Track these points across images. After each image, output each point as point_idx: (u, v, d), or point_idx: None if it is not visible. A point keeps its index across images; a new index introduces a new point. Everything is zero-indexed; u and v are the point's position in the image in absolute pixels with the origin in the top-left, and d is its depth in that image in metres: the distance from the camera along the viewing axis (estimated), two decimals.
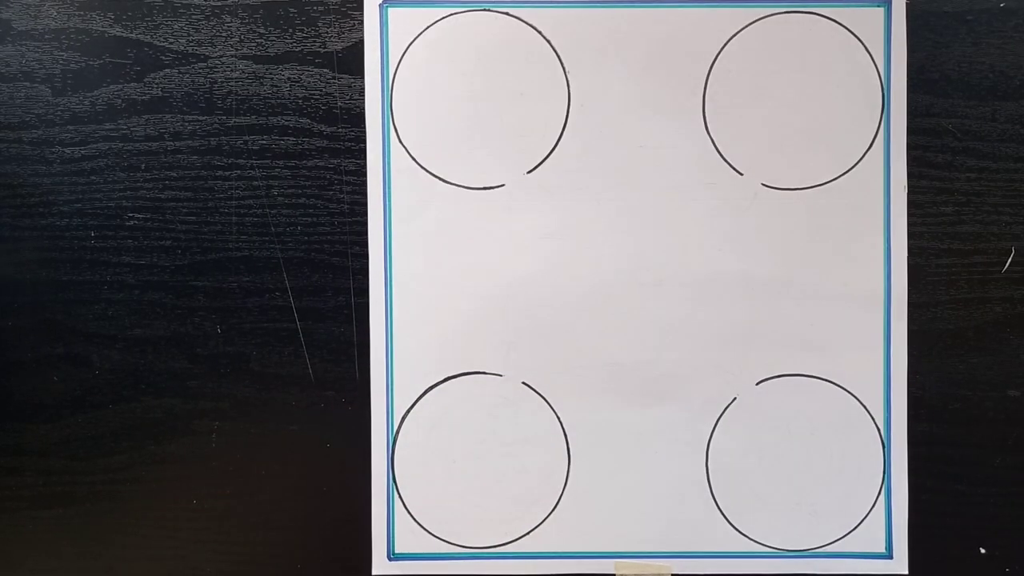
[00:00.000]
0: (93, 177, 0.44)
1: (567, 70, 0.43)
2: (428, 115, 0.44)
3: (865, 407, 0.44)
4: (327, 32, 0.44)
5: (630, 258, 0.44)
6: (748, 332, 0.44)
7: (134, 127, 0.44)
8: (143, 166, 0.44)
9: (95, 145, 0.44)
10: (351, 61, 0.44)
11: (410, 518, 0.44)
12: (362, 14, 0.43)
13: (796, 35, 0.43)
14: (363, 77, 0.44)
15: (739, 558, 0.44)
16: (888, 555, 0.44)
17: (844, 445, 0.44)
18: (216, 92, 0.44)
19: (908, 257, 0.44)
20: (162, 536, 0.45)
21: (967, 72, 0.43)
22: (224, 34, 0.44)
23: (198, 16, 0.44)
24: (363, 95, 0.44)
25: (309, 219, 0.44)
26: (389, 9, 0.43)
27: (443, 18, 0.43)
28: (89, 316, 0.44)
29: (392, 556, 0.44)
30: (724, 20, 0.43)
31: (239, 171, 0.44)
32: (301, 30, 0.44)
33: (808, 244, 0.44)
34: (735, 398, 0.44)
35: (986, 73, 0.43)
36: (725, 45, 0.43)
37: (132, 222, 0.44)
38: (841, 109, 0.43)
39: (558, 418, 0.44)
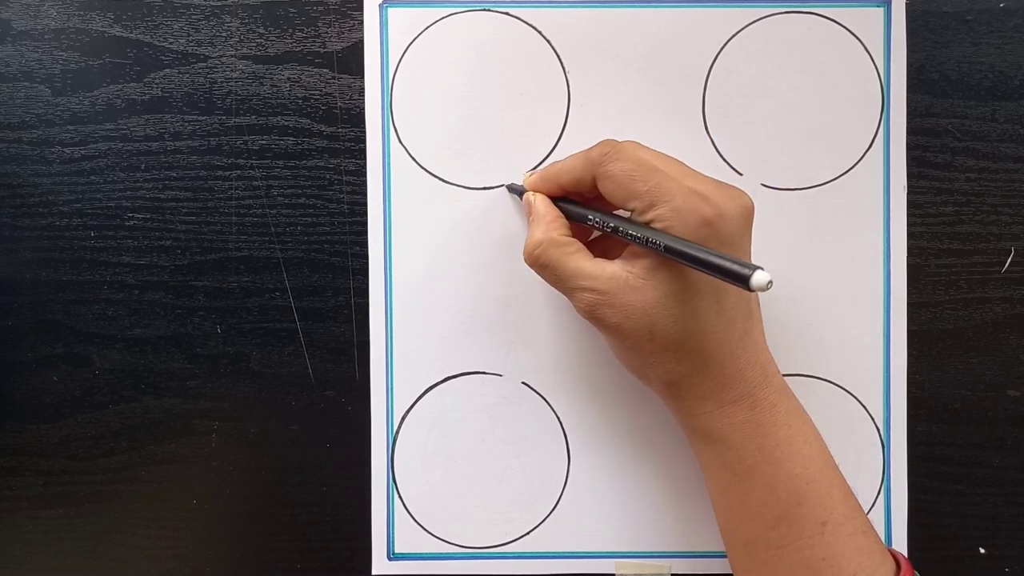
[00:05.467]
0: (93, 177, 0.44)
1: (567, 70, 0.43)
2: (428, 115, 0.44)
3: (865, 407, 0.44)
4: (327, 32, 0.44)
5: None
6: None
7: (134, 127, 0.44)
8: (143, 166, 0.44)
9: (95, 145, 0.44)
10: (351, 61, 0.44)
11: (410, 518, 0.44)
12: (362, 14, 0.43)
13: (796, 35, 0.43)
14: (363, 77, 0.44)
15: None
16: None
17: (844, 445, 0.43)
18: (216, 92, 0.44)
19: (907, 257, 0.44)
20: (162, 536, 0.45)
21: (967, 72, 0.44)
22: (224, 34, 0.44)
23: (198, 16, 0.44)
24: (363, 95, 0.44)
25: (309, 219, 0.44)
26: (389, 9, 0.43)
27: (443, 18, 0.43)
28: (89, 316, 0.44)
29: (392, 556, 0.44)
30: (724, 20, 0.43)
31: (239, 171, 0.44)
32: (301, 30, 0.44)
33: (808, 244, 0.44)
34: None
35: (986, 73, 0.44)
36: (725, 45, 0.43)
37: (132, 222, 0.44)
38: (841, 109, 0.43)
39: (558, 418, 0.44)
